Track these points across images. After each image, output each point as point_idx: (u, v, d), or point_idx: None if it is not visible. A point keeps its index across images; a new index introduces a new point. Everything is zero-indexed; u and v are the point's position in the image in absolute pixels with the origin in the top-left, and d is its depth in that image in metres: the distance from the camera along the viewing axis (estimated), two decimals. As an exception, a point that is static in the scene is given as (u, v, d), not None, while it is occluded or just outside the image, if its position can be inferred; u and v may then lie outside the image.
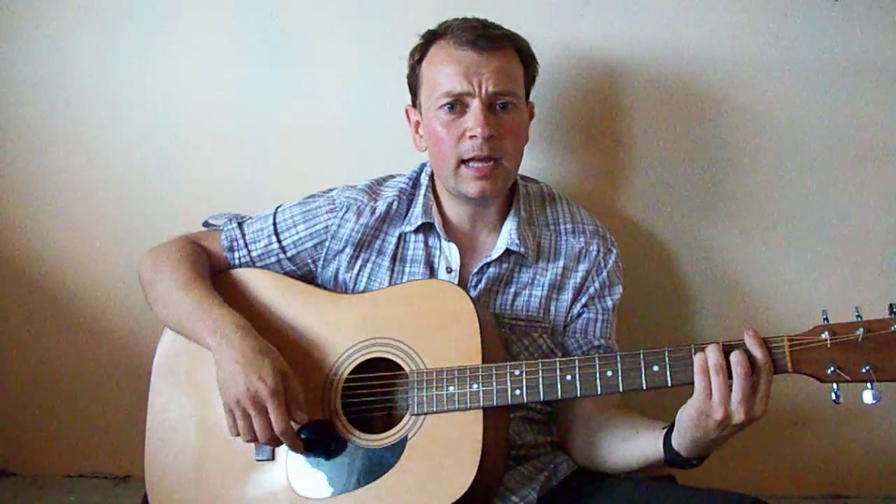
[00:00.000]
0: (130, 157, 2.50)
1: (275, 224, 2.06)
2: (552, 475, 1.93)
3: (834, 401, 1.57)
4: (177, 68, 2.47)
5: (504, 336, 1.93)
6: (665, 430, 1.73)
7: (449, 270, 1.99)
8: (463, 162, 1.92)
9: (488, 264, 1.99)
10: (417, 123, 2.04)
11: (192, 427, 1.93)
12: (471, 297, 1.82)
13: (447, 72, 1.92)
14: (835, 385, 1.57)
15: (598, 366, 1.70)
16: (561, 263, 2.02)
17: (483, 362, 1.77)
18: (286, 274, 2.05)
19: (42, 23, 2.46)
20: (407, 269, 2.02)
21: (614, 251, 2.07)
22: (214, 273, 2.02)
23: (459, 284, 1.95)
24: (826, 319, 1.60)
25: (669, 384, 1.65)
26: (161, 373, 1.99)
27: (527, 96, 2.05)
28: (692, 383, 1.62)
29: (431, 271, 2.00)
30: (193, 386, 1.95)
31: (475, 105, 1.90)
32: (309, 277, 2.07)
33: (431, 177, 2.07)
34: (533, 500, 1.86)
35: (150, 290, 1.99)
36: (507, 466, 1.87)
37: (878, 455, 2.44)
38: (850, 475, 2.46)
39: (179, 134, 2.49)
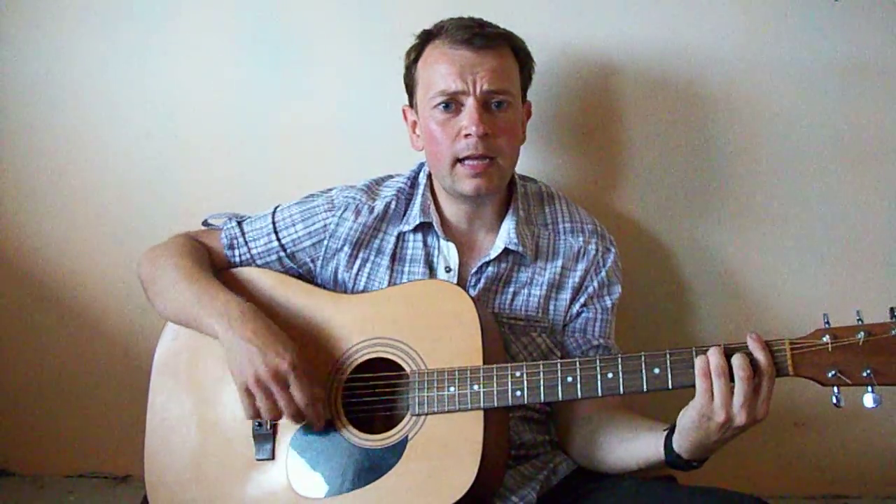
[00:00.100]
0: (130, 157, 2.50)
1: (274, 223, 2.07)
2: (552, 475, 1.93)
3: (835, 404, 1.58)
4: (177, 68, 2.46)
5: (503, 335, 1.93)
6: (666, 431, 1.74)
7: (448, 270, 2.00)
8: (459, 161, 1.92)
9: (487, 264, 1.99)
10: (414, 123, 2.04)
11: (193, 426, 1.93)
12: (472, 298, 1.83)
13: (442, 71, 1.93)
14: (835, 389, 1.58)
15: (598, 367, 1.70)
16: (559, 263, 2.02)
17: (484, 363, 1.77)
18: (286, 272, 2.05)
19: (42, 23, 2.46)
20: (406, 269, 2.02)
21: (613, 250, 2.07)
22: (215, 271, 2.02)
23: (458, 284, 1.95)
24: (827, 323, 1.60)
25: (670, 386, 1.65)
26: (161, 372, 1.99)
27: (524, 95, 2.05)
28: (693, 386, 1.62)
29: (430, 270, 2.00)
30: (194, 385, 1.95)
31: (470, 104, 1.90)
32: (309, 276, 2.08)
33: (429, 176, 2.07)
34: (533, 500, 1.86)
35: (151, 286, 1.99)
36: (508, 466, 1.87)
37: (878, 455, 2.44)
38: (850, 475, 2.46)
39: (179, 134, 2.49)
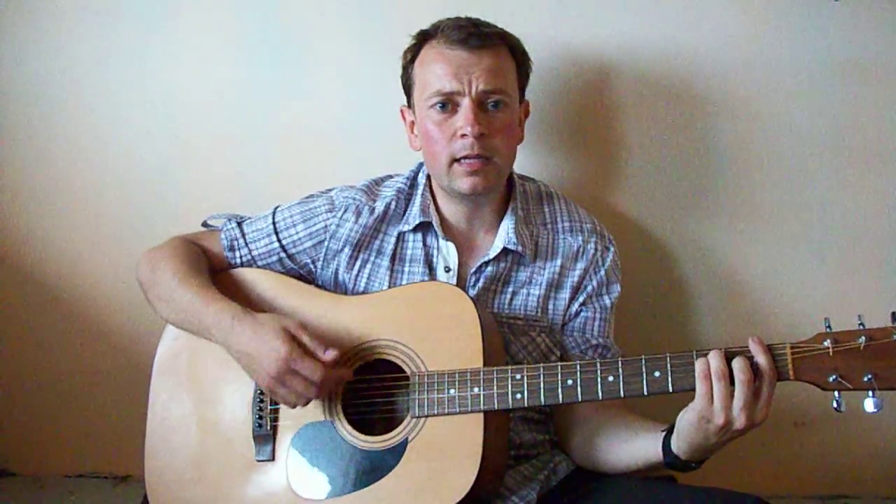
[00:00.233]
0: (130, 157, 2.50)
1: (274, 223, 2.06)
2: (551, 475, 1.93)
3: (835, 409, 1.57)
4: (177, 68, 2.46)
5: (503, 335, 1.93)
6: (664, 432, 1.74)
7: (447, 270, 2.00)
8: (456, 160, 1.92)
9: (486, 263, 1.99)
10: (412, 123, 2.05)
11: (193, 427, 1.93)
12: (472, 300, 1.83)
13: (438, 71, 1.93)
14: (836, 393, 1.58)
15: (599, 371, 1.70)
16: (559, 262, 2.02)
17: (484, 365, 1.77)
18: (287, 273, 2.05)
19: (42, 23, 2.46)
20: (406, 269, 2.02)
21: (612, 249, 2.07)
22: (214, 272, 2.02)
23: (458, 284, 1.96)
24: (828, 327, 1.60)
25: (671, 390, 1.65)
26: (162, 372, 1.99)
27: (521, 95, 2.05)
28: (693, 389, 1.62)
29: (430, 270, 2.00)
30: (194, 385, 1.95)
31: (466, 104, 1.90)
32: (309, 277, 2.08)
33: (429, 176, 2.07)
34: (533, 500, 1.86)
35: (150, 291, 1.99)
36: (508, 467, 1.87)
37: (878, 455, 2.44)
38: (850, 475, 2.46)
39: (179, 134, 2.49)
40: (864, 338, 1.55)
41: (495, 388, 1.75)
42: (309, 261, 2.06)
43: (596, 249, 2.04)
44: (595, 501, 1.82)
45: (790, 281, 2.39)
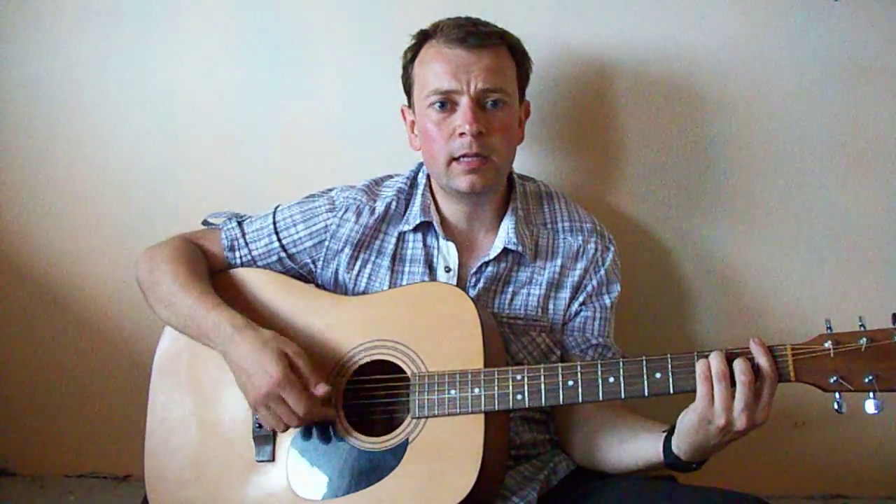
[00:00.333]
0: (130, 157, 2.50)
1: (274, 223, 2.06)
2: (552, 474, 1.93)
3: (836, 410, 1.57)
4: (177, 68, 2.46)
5: (503, 335, 1.93)
6: (665, 433, 1.74)
7: (447, 270, 2.00)
8: (454, 159, 1.92)
9: (486, 263, 1.99)
10: (412, 123, 2.05)
11: (193, 427, 1.93)
12: (473, 300, 1.82)
13: (436, 70, 1.93)
14: (837, 394, 1.58)
15: (600, 372, 1.70)
16: (559, 262, 2.02)
17: (485, 365, 1.76)
18: (287, 273, 2.05)
19: (42, 23, 2.45)
20: (406, 269, 2.02)
21: (612, 249, 2.07)
22: (213, 273, 2.02)
23: (458, 284, 1.96)
24: (829, 328, 1.60)
25: (672, 391, 1.65)
26: (161, 372, 1.99)
27: (522, 95, 2.05)
28: (694, 391, 1.62)
29: (430, 270, 2.00)
30: (194, 385, 1.95)
31: (464, 102, 1.90)
32: (309, 277, 2.08)
33: (429, 176, 2.07)
34: (533, 500, 1.85)
35: (150, 292, 1.99)
36: (508, 468, 1.87)
37: (878, 455, 2.45)
38: (850, 475, 2.47)
39: (180, 134, 2.49)
40: (864, 339, 1.55)
41: (496, 388, 1.74)
42: (309, 261, 2.06)
43: (596, 249, 2.04)
44: (595, 501, 1.82)
45: (790, 281, 2.39)
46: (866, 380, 1.55)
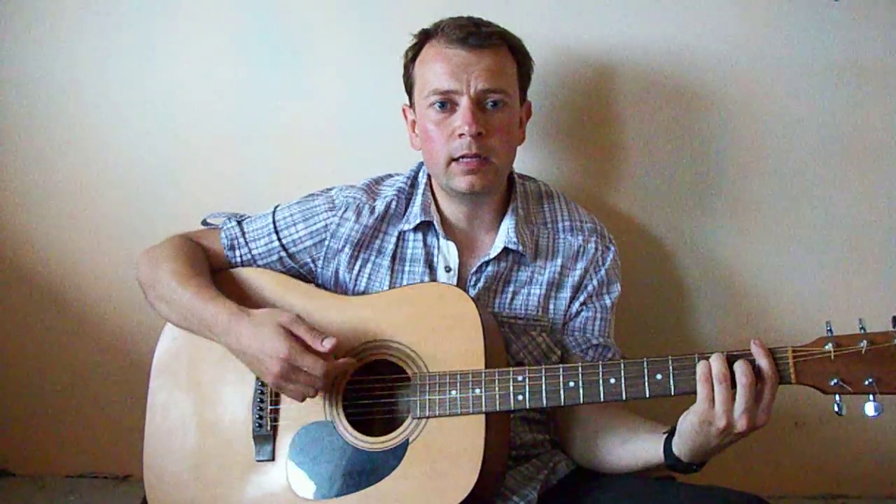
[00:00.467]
0: (131, 157, 2.50)
1: (275, 223, 2.06)
2: (551, 474, 1.93)
3: (836, 412, 1.58)
4: (177, 68, 2.46)
5: (504, 335, 1.93)
6: (665, 434, 1.74)
7: (448, 269, 1.99)
8: (454, 160, 1.92)
9: (487, 263, 1.99)
10: (413, 122, 2.04)
11: (192, 427, 1.92)
12: (474, 301, 1.83)
13: (437, 70, 1.93)
14: (837, 397, 1.58)
15: (601, 373, 1.70)
16: (559, 262, 2.02)
17: (486, 366, 1.77)
18: (287, 272, 2.05)
19: (42, 23, 2.45)
20: (406, 269, 2.02)
21: (612, 249, 2.07)
22: (214, 272, 2.02)
23: (458, 284, 1.96)
24: (829, 331, 1.60)
25: (672, 393, 1.66)
26: (161, 371, 1.98)
27: (523, 95, 2.05)
28: (695, 392, 1.62)
29: (430, 270, 2.00)
30: (194, 385, 1.95)
31: (464, 103, 1.90)
32: (309, 276, 2.08)
33: (429, 176, 2.07)
34: (534, 500, 1.86)
35: (150, 291, 1.99)
36: (508, 467, 1.87)
37: (878, 455, 2.45)
38: (850, 475, 2.47)
39: (180, 134, 2.49)
40: (865, 342, 1.56)
41: (497, 389, 1.74)
42: (309, 260, 2.06)
43: (596, 249, 2.04)
44: (595, 500, 1.83)
45: (790, 281, 2.39)
46: (866, 382, 1.56)
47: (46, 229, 2.55)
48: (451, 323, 1.81)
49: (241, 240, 2.06)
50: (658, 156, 2.37)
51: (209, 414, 1.92)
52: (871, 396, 1.55)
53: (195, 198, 2.46)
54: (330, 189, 2.10)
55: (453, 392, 1.76)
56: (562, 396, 1.72)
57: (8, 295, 2.59)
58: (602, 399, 1.70)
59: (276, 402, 1.87)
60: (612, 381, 1.69)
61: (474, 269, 1.99)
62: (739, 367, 1.59)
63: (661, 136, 2.37)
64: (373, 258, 2.03)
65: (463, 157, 1.91)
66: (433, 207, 2.02)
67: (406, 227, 2.02)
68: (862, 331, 1.58)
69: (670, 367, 1.66)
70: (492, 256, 1.98)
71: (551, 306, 2.01)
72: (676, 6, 2.32)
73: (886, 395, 1.55)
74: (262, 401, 1.88)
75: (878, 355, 1.55)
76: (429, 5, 2.14)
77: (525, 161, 2.23)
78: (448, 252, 2.00)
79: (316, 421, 1.85)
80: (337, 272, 2.04)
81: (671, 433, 1.72)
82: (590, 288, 2.02)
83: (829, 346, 1.58)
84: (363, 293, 2.02)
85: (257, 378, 1.87)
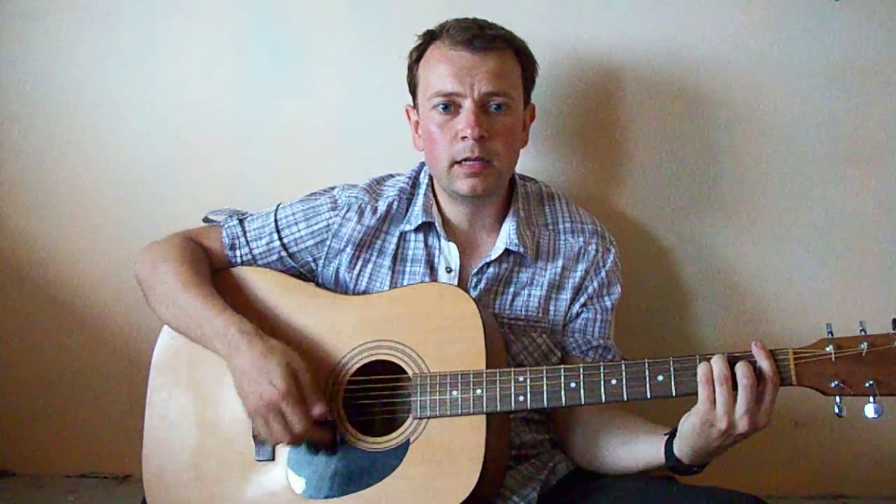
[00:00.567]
0: (130, 156, 2.50)
1: (276, 221, 2.06)
2: (551, 474, 1.93)
3: (837, 414, 1.58)
4: (177, 68, 2.46)
5: (504, 336, 1.93)
6: (666, 435, 1.74)
7: (448, 270, 1.99)
8: (456, 163, 1.92)
9: (488, 264, 1.99)
10: (416, 123, 2.04)
11: (192, 425, 1.92)
12: (475, 301, 1.82)
13: (440, 72, 1.92)
14: (837, 398, 1.58)
15: (602, 374, 1.70)
16: (560, 263, 2.02)
17: (487, 366, 1.76)
18: (287, 272, 2.05)
19: (42, 22, 2.45)
20: (407, 269, 2.01)
21: (613, 250, 2.07)
22: (214, 271, 2.01)
23: (459, 285, 1.96)
24: (830, 332, 1.60)
25: (673, 394, 1.65)
26: (160, 370, 1.97)
27: (527, 98, 2.04)
28: (696, 394, 1.62)
29: (431, 271, 2.00)
30: (193, 384, 1.94)
31: (467, 105, 1.90)
32: (310, 275, 2.07)
33: (431, 176, 2.06)
34: (533, 500, 1.85)
35: (150, 291, 1.98)
36: (508, 468, 1.87)
37: (878, 455, 2.44)
38: (850, 475, 2.46)
39: (180, 134, 2.49)
40: (865, 344, 1.56)
41: (498, 389, 1.74)
42: (310, 259, 2.06)
43: (597, 251, 2.04)
44: (595, 501, 1.82)
45: (790, 281, 2.39)
46: (867, 384, 1.56)
47: (46, 229, 2.55)
48: (451, 323, 1.81)
49: (242, 239, 2.05)
50: (658, 156, 2.37)
51: (209, 413, 1.91)
52: (871, 398, 1.55)
53: (195, 197, 2.45)
54: (332, 188, 2.10)
55: (454, 392, 1.76)
56: (563, 397, 1.72)
57: (8, 295, 2.60)
58: (603, 400, 1.70)
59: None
60: (614, 381, 1.69)
61: (475, 270, 1.99)
62: (741, 368, 1.59)
63: (662, 136, 2.37)
64: (374, 258, 2.03)
65: (465, 160, 1.91)
66: (434, 208, 2.02)
67: (407, 227, 2.02)
68: (862, 332, 1.58)
69: (671, 369, 1.65)
70: (493, 258, 1.98)
71: (552, 307, 2.01)
72: (676, 7, 2.32)
73: (886, 397, 1.55)
74: (262, 400, 1.88)
75: (878, 357, 1.55)
76: (429, 5, 2.15)
77: (527, 162, 2.23)
78: (449, 253, 2.00)
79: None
80: (337, 272, 2.04)
81: (672, 434, 1.72)
82: (590, 289, 2.02)
83: (829, 348, 1.58)
84: (363, 293, 2.02)
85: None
